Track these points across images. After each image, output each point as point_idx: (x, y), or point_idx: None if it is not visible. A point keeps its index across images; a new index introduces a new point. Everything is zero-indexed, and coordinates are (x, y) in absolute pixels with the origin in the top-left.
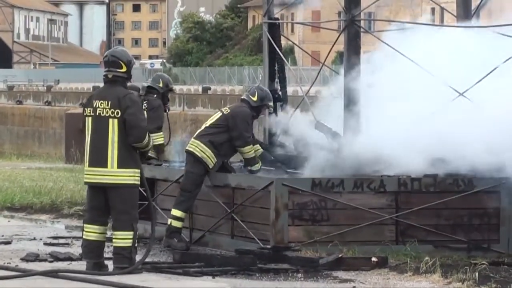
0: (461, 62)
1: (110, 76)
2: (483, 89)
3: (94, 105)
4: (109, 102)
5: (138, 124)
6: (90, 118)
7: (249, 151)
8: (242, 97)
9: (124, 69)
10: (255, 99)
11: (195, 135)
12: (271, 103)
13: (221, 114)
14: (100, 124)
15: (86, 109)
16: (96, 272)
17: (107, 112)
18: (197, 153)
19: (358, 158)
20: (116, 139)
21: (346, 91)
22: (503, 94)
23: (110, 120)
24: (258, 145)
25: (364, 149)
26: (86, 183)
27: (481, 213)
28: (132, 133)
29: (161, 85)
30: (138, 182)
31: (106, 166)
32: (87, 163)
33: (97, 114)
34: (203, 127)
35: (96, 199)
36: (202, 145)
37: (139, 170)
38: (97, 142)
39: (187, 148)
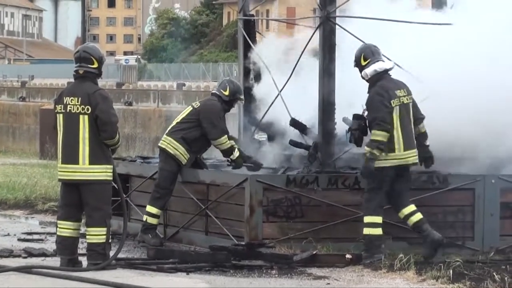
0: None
1: (81, 72)
2: (458, 84)
3: (65, 102)
4: (79, 99)
5: (110, 120)
6: (61, 115)
7: (225, 142)
8: (213, 91)
9: (96, 65)
10: (226, 93)
11: (167, 131)
12: (242, 96)
13: (191, 108)
14: (71, 121)
15: (57, 106)
16: (70, 268)
17: (77, 109)
18: (169, 150)
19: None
20: (87, 135)
21: (320, 87)
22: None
23: (81, 116)
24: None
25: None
26: (59, 180)
27: (455, 210)
28: (105, 129)
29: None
30: (111, 178)
31: (77, 163)
32: (60, 160)
33: (68, 110)
34: (174, 123)
35: (69, 195)
36: (174, 142)
37: (111, 166)
38: (69, 139)
39: (159, 144)
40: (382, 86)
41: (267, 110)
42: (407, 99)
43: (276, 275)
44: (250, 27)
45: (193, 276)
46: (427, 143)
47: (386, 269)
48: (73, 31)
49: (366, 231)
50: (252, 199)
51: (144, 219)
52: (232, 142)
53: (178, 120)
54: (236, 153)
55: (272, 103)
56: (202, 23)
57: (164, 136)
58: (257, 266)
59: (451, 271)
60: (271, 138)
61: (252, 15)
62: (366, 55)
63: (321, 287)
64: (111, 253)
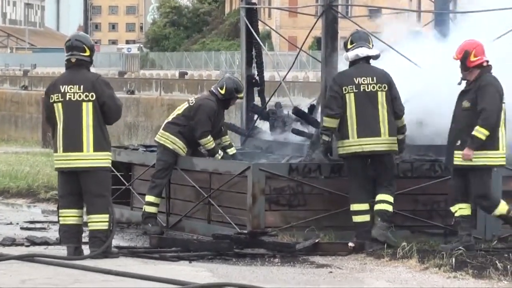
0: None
1: (73, 60)
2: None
3: (62, 90)
4: (81, 86)
5: (117, 105)
6: (59, 104)
7: (208, 143)
8: (211, 89)
9: (88, 53)
10: (223, 92)
11: (163, 126)
12: (241, 95)
13: (187, 105)
14: (72, 109)
15: (52, 95)
16: (71, 257)
17: (80, 96)
18: (168, 145)
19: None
20: (90, 122)
21: (323, 76)
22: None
23: (84, 103)
24: (226, 137)
25: None
26: (59, 169)
27: None
28: (112, 115)
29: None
30: (110, 165)
31: (82, 150)
32: (61, 149)
33: (67, 99)
34: (170, 118)
35: (69, 184)
36: (172, 136)
37: (111, 153)
38: (71, 127)
39: (157, 139)
40: (342, 72)
41: (269, 99)
42: (373, 87)
43: (279, 264)
44: (252, 16)
45: (196, 264)
46: (400, 137)
47: (389, 258)
48: (75, 19)
49: (353, 218)
50: (254, 188)
51: (143, 209)
52: (218, 142)
53: (174, 116)
54: (217, 157)
55: (275, 91)
56: (204, 11)
57: (161, 131)
58: (260, 255)
59: (453, 260)
60: (272, 127)
61: (254, 4)
62: (353, 39)
63: (323, 275)
64: (114, 241)
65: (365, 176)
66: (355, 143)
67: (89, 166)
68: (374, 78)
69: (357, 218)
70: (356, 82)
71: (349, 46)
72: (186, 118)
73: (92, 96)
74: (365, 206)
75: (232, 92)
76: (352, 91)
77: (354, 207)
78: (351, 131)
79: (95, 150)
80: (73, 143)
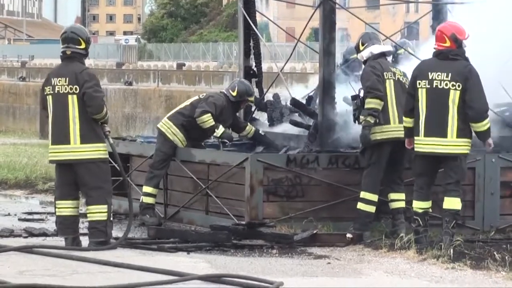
0: None
1: (68, 52)
2: None
3: (53, 83)
4: (67, 79)
5: (97, 95)
6: (50, 96)
7: (206, 120)
8: (223, 90)
9: (83, 45)
10: (234, 94)
11: (169, 115)
12: (251, 98)
13: (197, 98)
14: (60, 101)
15: (45, 88)
16: (71, 248)
17: (66, 89)
18: (168, 135)
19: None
20: (77, 114)
21: (321, 67)
22: None
23: (69, 96)
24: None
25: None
26: (51, 161)
27: None
28: (91, 104)
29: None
30: (105, 156)
31: (69, 143)
32: (51, 141)
33: (56, 91)
34: (177, 108)
35: (65, 175)
36: (174, 127)
37: (103, 144)
38: (58, 119)
39: (159, 127)
40: (374, 62)
41: (267, 90)
42: (402, 78)
43: (277, 255)
44: (250, 7)
45: (194, 255)
46: None
47: (387, 249)
48: (73, 10)
49: (359, 205)
50: (252, 179)
51: (141, 200)
52: (217, 125)
53: (182, 106)
54: (220, 130)
55: (273, 82)
56: (202, 2)
57: (165, 119)
58: (258, 246)
59: (451, 250)
60: (270, 118)
61: None
62: (363, 40)
63: (321, 266)
64: (113, 232)
65: (384, 168)
66: (397, 129)
67: (77, 159)
68: (401, 72)
69: (364, 207)
70: (392, 70)
71: (361, 48)
72: (193, 108)
73: (76, 89)
74: (376, 198)
75: (243, 94)
76: (392, 78)
77: (367, 195)
78: (392, 116)
79: (82, 142)
80: (61, 136)
